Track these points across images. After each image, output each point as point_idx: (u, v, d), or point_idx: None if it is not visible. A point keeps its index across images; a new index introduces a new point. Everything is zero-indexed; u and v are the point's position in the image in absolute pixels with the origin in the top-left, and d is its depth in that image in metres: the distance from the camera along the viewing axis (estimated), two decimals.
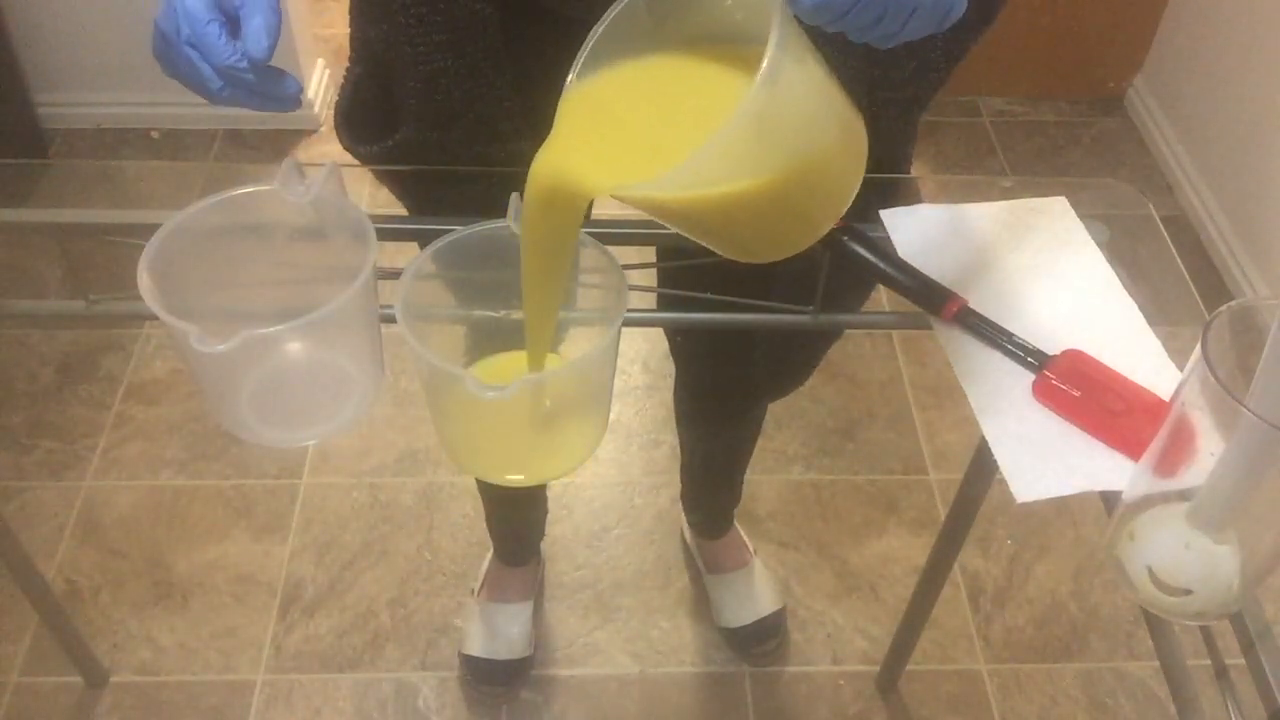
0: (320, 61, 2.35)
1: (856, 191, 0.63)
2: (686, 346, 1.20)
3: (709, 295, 0.83)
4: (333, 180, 0.67)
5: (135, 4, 2.10)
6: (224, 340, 0.59)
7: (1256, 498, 0.55)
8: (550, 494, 1.59)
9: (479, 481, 1.36)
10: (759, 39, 0.52)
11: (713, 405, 1.31)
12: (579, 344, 0.75)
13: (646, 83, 0.62)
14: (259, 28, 0.61)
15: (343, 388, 0.71)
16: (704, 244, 0.63)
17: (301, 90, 0.65)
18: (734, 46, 0.61)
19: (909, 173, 0.93)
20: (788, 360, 1.13)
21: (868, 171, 0.84)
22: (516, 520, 1.46)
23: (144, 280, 0.62)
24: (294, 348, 0.67)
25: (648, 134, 0.61)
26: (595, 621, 1.51)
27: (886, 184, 0.89)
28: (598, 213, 0.99)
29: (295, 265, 0.71)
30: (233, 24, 0.62)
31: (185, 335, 0.59)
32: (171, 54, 0.62)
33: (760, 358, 1.12)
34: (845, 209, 0.63)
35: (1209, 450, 0.54)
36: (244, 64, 0.61)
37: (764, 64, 0.50)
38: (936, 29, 0.56)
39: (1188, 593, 0.60)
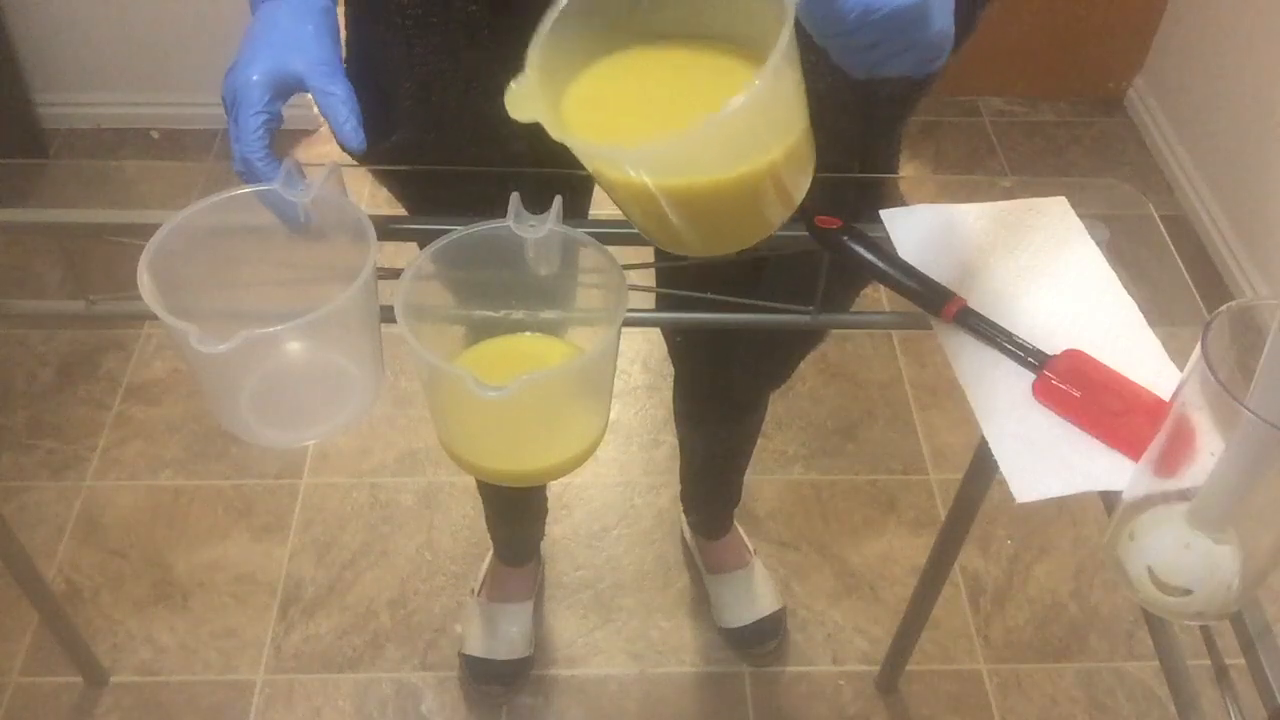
0: None
1: (802, 198, 0.64)
2: (685, 348, 1.20)
3: (708, 295, 0.83)
4: (333, 180, 0.67)
5: (135, 4, 2.10)
6: (224, 340, 0.59)
7: (1256, 498, 0.55)
8: (550, 494, 1.59)
9: (479, 482, 1.36)
10: (737, 38, 0.52)
11: (712, 406, 1.31)
12: (579, 344, 0.75)
13: (638, 69, 0.62)
14: (351, 127, 0.67)
15: (343, 388, 0.70)
16: (649, 232, 0.63)
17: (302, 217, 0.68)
18: (709, 43, 0.61)
19: (895, 170, 0.93)
20: (771, 356, 1.13)
21: (861, 183, 0.84)
22: (516, 521, 1.46)
23: (144, 280, 0.62)
24: (294, 348, 0.67)
25: (653, 112, 0.61)
26: (595, 621, 1.51)
27: (870, 185, 0.89)
28: (596, 213, 0.99)
29: (295, 265, 0.71)
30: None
31: (185, 335, 0.59)
32: (228, 119, 0.67)
33: (744, 353, 1.12)
34: (791, 214, 0.64)
35: (1209, 450, 0.54)
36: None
37: (775, 53, 0.51)
38: (914, 72, 0.57)
39: (1188, 593, 0.60)
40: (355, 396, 0.71)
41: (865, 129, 0.82)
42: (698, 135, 0.52)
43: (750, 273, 0.85)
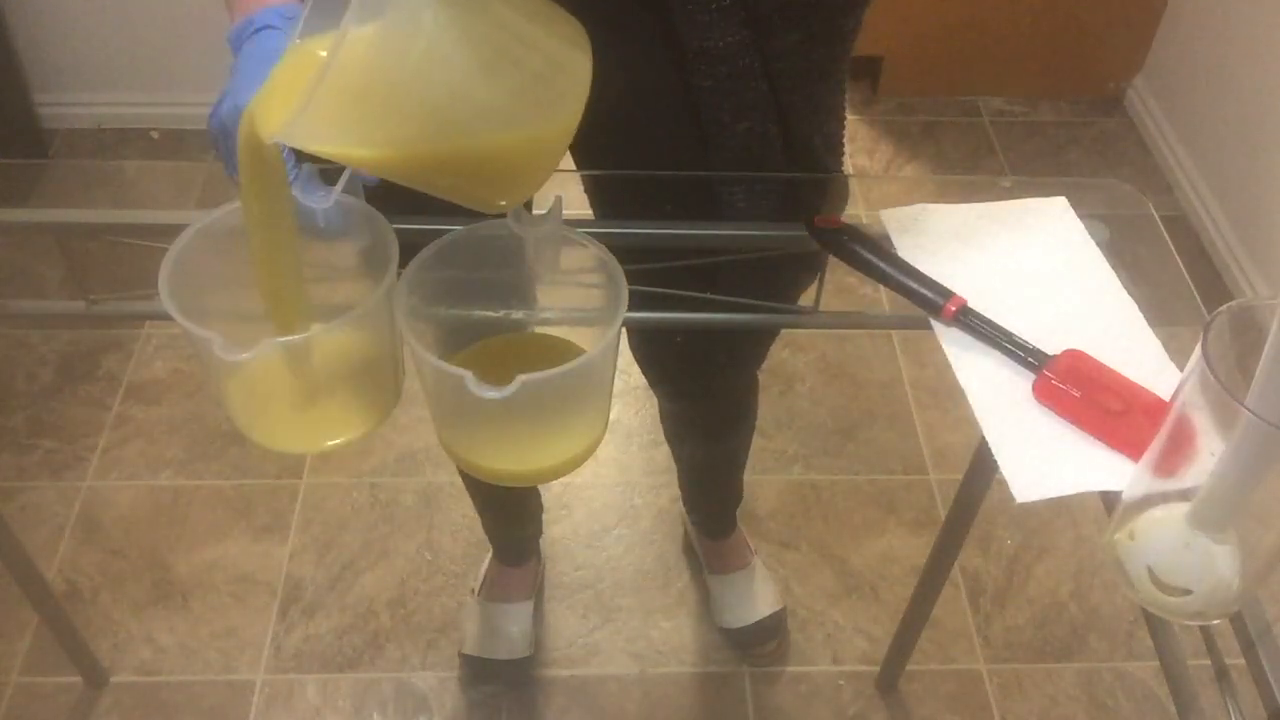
0: None
1: (564, 140, 0.61)
2: (663, 377, 1.20)
3: (709, 295, 0.83)
4: (352, 185, 0.67)
5: (135, 4, 2.10)
6: (248, 349, 0.59)
7: (1256, 498, 0.55)
8: (550, 494, 1.59)
9: (469, 483, 1.36)
10: None
11: (699, 431, 1.32)
12: (579, 343, 0.75)
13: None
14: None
15: (363, 393, 0.70)
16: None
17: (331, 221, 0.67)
18: None
19: (838, 156, 0.92)
20: (744, 341, 1.13)
21: (790, 153, 0.82)
22: (511, 522, 1.46)
23: (164, 289, 0.62)
24: (316, 353, 0.67)
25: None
26: (595, 621, 1.51)
27: (812, 181, 0.88)
28: (591, 214, 0.99)
29: (310, 267, 0.71)
30: None
31: (209, 344, 0.59)
32: (226, 151, 0.64)
33: (715, 343, 1.12)
34: (552, 162, 0.62)
35: (1209, 450, 0.54)
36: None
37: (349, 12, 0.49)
38: None
39: (1188, 593, 0.60)
40: (376, 402, 0.70)
41: (777, 100, 0.81)
42: (308, 102, 0.50)
43: (712, 268, 0.86)
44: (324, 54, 0.52)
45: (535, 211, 0.69)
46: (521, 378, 0.59)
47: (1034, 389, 0.71)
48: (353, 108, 0.53)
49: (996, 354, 0.73)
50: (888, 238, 0.80)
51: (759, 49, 0.77)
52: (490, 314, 0.74)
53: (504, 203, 0.64)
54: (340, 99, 0.52)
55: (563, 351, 0.75)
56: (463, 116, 0.56)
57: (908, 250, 0.79)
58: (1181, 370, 0.64)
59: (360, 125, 0.55)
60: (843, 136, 0.92)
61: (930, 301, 0.75)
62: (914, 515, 1.64)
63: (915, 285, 0.76)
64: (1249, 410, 0.50)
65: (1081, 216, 0.83)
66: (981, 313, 0.74)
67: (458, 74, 0.55)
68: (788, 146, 0.84)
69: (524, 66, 0.59)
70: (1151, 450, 0.59)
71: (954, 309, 0.74)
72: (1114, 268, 0.79)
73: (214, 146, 0.65)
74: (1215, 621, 0.63)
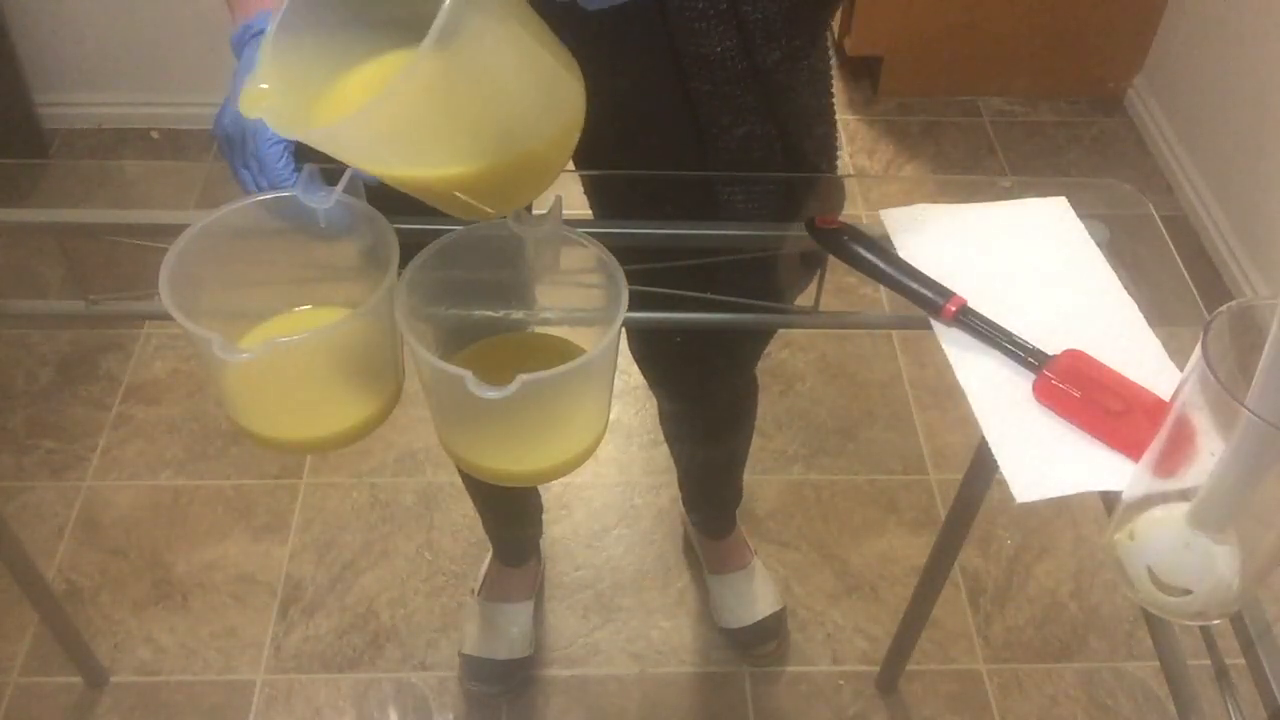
0: None
1: (573, 136, 0.63)
2: (663, 377, 1.20)
3: (709, 295, 0.83)
4: (353, 185, 0.67)
5: (135, 4, 2.10)
6: (248, 349, 0.59)
7: (1256, 498, 0.55)
8: (550, 494, 1.59)
9: (468, 483, 1.36)
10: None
11: (699, 432, 1.32)
12: (579, 343, 0.75)
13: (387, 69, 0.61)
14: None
15: (363, 393, 0.70)
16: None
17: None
18: None
19: (831, 158, 0.92)
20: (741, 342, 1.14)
21: (787, 156, 0.83)
22: (511, 522, 1.46)
23: (165, 290, 0.62)
24: (317, 353, 0.67)
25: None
26: (595, 621, 1.51)
27: (808, 182, 0.88)
28: (591, 214, 0.99)
29: (311, 265, 0.71)
30: None
31: (209, 343, 0.59)
32: (231, 156, 0.65)
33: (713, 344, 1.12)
34: (563, 161, 0.64)
35: (1209, 450, 0.54)
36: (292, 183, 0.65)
37: (436, 23, 0.49)
38: None
39: (1188, 593, 0.60)
40: (376, 402, 0.70)
41: (760, 91, 0.82)
42: (362, 118, 0.51)
43: (711, 268, 0.86)
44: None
45: (535, 212, 0.69)
46: (521, 377, 0.59)
47: (1034, 389, 0.71)
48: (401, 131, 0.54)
49: (996, 354, 0.73)
50: (888, 238, 0.80)
51: (751, 55, 0.78)
52: (490, 314, 0.74)
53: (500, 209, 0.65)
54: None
55: (563, 351, 0.75)
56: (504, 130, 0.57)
57: (908, 250, 0.79)
58: (1181, 370, 0.64)
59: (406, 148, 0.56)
60: (835, 139, 0.92)
61: (930, 301, 0.75)
62: (914, 515, 1.64)
63: (915, 285, 0.76)
64: (1249, 410, 0.50)
65: (1081, 216, 0.83)
66: (981, 313, 0.74)
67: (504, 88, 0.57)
68: (785, 150, 0.85)
69: (542, 80, 0.60)
70: (1151, 450, 0.59)
71: (954, 309, 0.74)
72: (1114, 268, 0.79)
73: (220, 150, 0.66)
74: (1215, 621, 0.63)
